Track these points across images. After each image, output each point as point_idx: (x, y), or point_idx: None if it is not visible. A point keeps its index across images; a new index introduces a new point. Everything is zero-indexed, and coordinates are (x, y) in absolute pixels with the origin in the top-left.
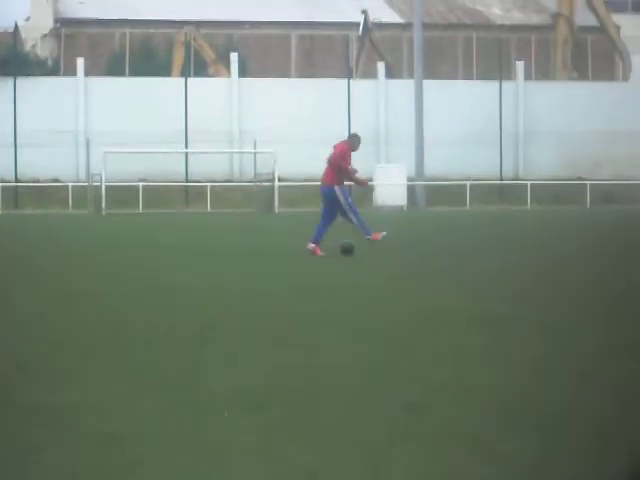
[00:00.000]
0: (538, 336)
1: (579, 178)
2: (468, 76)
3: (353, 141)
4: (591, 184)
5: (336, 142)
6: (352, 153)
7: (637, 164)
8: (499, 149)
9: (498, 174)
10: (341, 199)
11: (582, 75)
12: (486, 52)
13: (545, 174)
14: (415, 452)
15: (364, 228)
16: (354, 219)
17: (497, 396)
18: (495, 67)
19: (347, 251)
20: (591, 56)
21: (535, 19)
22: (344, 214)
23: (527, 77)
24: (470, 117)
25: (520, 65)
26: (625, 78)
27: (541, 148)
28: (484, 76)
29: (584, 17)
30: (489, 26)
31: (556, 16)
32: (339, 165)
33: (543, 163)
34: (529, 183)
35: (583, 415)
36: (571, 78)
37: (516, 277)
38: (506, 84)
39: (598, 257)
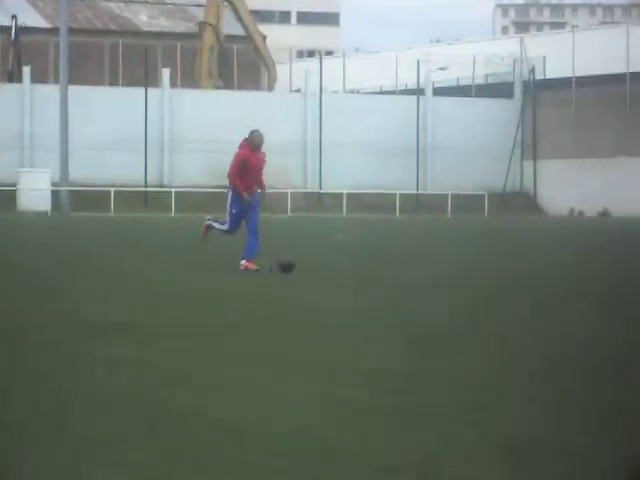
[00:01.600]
0: None
1: (222, 186)
2: (114, 82)
3: (252, 139)
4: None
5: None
6: (246, 155)
7: (279, 173)
8: (144, 156)
9: (143, 180)
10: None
11: (228, 84)
12: (132, 58)
13: (190, 182)
14: None
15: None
16: (220, 225)
17: None
18: (142, 73)
19: (287, 268)
20: (237, 65)
21: (182, 27)
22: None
23: (173, 84)
24: (114, 123)
25: (166, 72)
26: (270, 88)
27: (187, 155)
28: (130, 82)
29: (231, 26)
30: (136, 32)
31: (202, 24)
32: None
33: (188, 170)
34: (173, 190)
35: None
36: (217, 86)
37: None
38: (152, 91)
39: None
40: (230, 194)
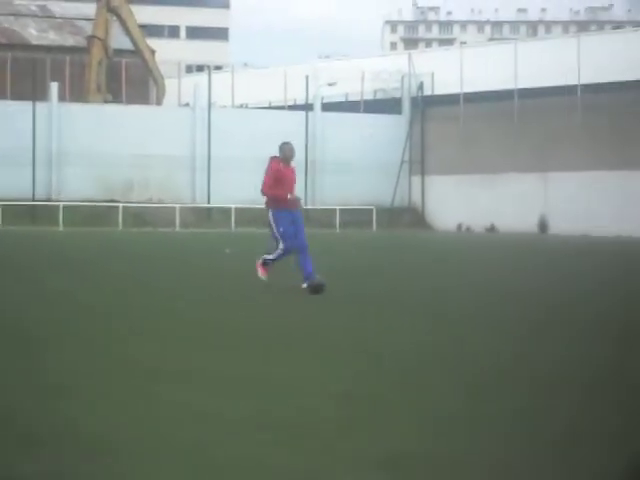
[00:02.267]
0: None
1: (112, 200)
2: (2, 95)
3: (283, 152)
4: (123, 206)
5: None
6: (278, 168)
7: (168, 187)
8: (32, 170)
9: (31, 195)
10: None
11: (116, 98)
12: (21, 72)
13: (79, 196)
14: None
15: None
16: (275, 255)
17: None
18: (30, 87)
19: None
20: (125, 79)
21: (71, 40)
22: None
23: (61, 98)
24: (4, 137)
25: (54, 86)
26: (159, 102)
27: (75, 169)
28: (19, 96)
29: (120, 40)
30: (24, 46)
31: (91, 39)
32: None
33: (77, 184)
34: (61, 204)
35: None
36: (105, 100)
37: None
38: (40, 105)
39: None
40: (270, 215)
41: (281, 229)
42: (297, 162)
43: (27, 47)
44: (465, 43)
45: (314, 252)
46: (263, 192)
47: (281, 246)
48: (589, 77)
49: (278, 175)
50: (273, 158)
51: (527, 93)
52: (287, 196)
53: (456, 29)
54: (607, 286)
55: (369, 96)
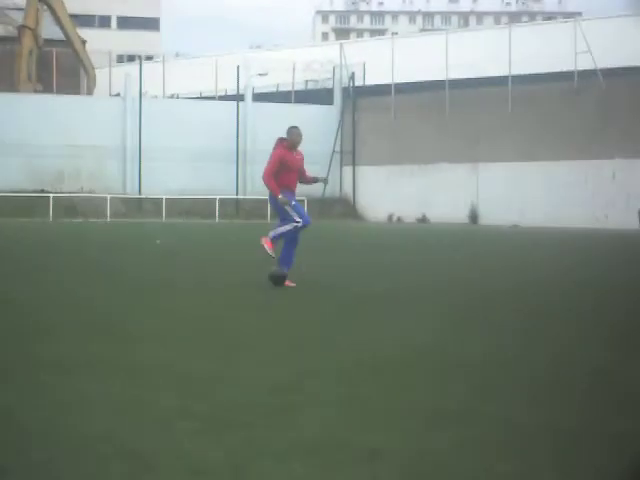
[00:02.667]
0: None
1: (43, 191)
2: None
3: (289, 137)
4: (54, 197)
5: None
6: (282, 153)
7: (99, 178)
8: None
9: None
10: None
11: (47, 87)
12: None
13: (9, 186)
14: None
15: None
16: (287, 225)
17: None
18: None
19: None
20: (56, 69)
21: (1, 30)
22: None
23: None
24: None
25: None
26: (89, 92)
27: (5, 159)
28: None
29: (51, 30)
30: None
31: (21, 28)
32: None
33: (7, 174)
34: None
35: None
36: (36, 90)
37: None
38: None
39: None
40: (280, 196)
41: (293, 203)
42: (228, 152)
43: None
44: (397, 34)
45: (254, 244)
46: (264, 180)
47: (297, 219)
48: (519, 68)
49: (283, 161)
50: (279, 143)
51: (458, 84)
52: (292, 183)
53: (388, 20)
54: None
55: (300, 86)
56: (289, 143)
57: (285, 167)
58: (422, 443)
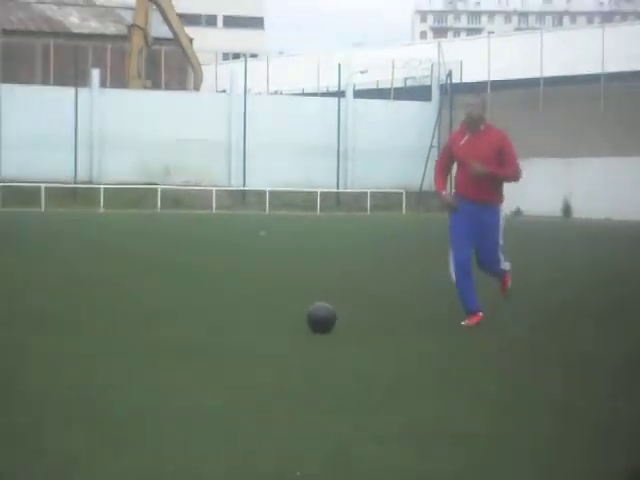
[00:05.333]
0: None
1: (151, 183)
2: (46, 82)
3: (466, 112)
4: (162, 189)
5: (454, 131)
6: (454, 139)
7: (204, 171)
8: (74, 153)
9: (73, 177)
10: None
11: (155, 84)
12: (64, 59)
13: (119, 179)
14: None
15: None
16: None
17: None
18: (72, 74)
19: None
20: (164, 66)
21: (112, 29)
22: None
23: (103, 84)
24: (44, 121)
25: (96, 72)
26: (196, 89)
27: (116, 153)
28: (61, 82)
29: (159, 29)
30: (67, 34)
31: (132, 27)
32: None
33: (117, 168)
34: (102, 187)
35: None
36: (145, 87)
37: None
38: (82, 90)
39: None
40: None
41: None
42: (328, 147)
43: (69, 35)
44: (492, 33)
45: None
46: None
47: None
48: (613, 66)
49: (450, 151)
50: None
51: (552, 81)
52: (464, 183)
53: (484, 19)
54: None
55: (399, 84)
56: (466, 123)
57: (453, 157)
58: None
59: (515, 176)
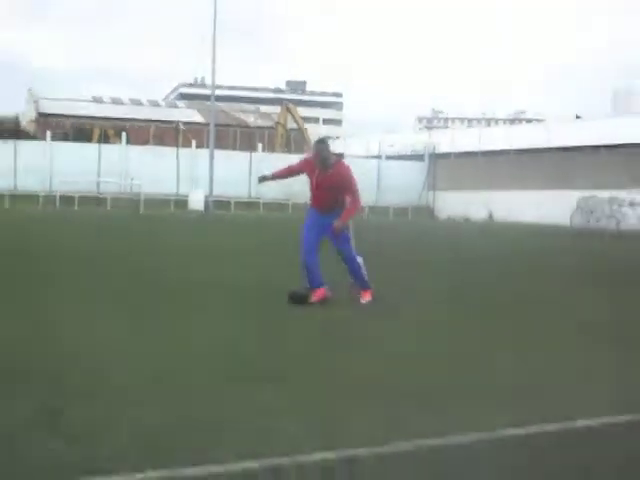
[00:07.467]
0: None
1: None
2: (233, 148)
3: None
4: None
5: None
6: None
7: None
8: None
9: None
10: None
11: (289, 151)
12: (243, 139)
13: None
14: None
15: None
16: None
17: None
18: (248, 147)
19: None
20: (293, 143)
21: (269, 123)
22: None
23: (263, 150)
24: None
25: (260, 145)
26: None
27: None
28: (243, 149)
29: (290, 124)
30: (245, 127)
31: (277, 123)
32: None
33: None
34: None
35: None
36: (284, 152)
37: None
38: (253, 154)
39: None
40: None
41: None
42: (371, 184)
43: (247, 127)
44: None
45: None
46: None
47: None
48: None
49: (308, 174)
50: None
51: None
52: (317, 202)
53: (457, 121)
54: None
55: (408, 152)
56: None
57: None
58: None
59: (358, 208)
